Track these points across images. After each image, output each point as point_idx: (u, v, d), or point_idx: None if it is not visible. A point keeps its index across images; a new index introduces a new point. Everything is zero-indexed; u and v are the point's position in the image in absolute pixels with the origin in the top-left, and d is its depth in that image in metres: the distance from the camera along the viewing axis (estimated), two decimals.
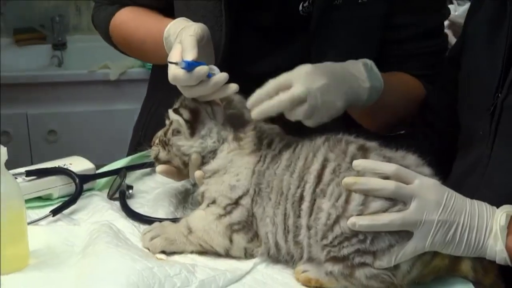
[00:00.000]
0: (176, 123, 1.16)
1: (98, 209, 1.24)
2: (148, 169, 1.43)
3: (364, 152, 1.04)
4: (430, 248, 0.98)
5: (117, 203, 1.27)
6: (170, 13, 1.42)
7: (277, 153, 1.11)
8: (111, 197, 1.30)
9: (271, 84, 1.10)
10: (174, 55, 1.12)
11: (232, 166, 1.12)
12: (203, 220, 1.12)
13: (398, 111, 1.37)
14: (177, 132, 1.17)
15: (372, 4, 1.35)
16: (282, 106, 1.09)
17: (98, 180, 1.35)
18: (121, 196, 1.28)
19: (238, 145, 1.13)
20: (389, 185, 0.98)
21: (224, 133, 1.14)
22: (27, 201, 1.21)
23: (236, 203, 1.10)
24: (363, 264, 0.98)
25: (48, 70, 3.29)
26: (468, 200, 1.00)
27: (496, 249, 0.97)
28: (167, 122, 1.20)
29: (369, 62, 1.25)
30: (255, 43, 1.39)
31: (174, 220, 1.18)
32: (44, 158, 1.40)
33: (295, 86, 1.09)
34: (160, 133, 1.21)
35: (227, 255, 1.12)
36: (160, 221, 1.18)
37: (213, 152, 1.14)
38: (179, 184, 1.34)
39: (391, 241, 0.97)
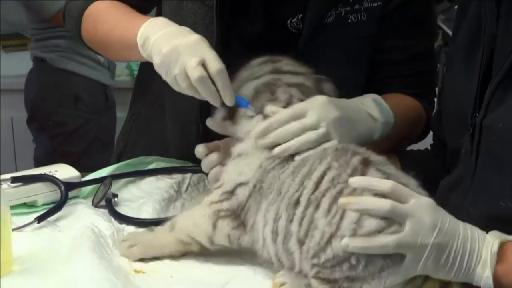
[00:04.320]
0: None
1: (82, 216, 1.25)
2: (132, 177, 1.44)
3: (364, 166, 1.02)
4: (422, 272, 0.96)
5: (103, 210, 1.28)
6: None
7: (288, 157, 1.09)
8: (96, 205, 1.30)
9: (286, 112, 1.11)
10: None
11: (253, 154, 1.11)
12: (191, 211, 1.14)
13: (401, 136, 1.38)
14: None
15: (362, 25, 1.37)
16: (292, 133, 1.10)
17: (83, 188, 1.36)
18: (108, 203, 1.29)
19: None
20: (384, 204, 0.95)
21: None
22: (12, 207, 1.21)
23: (233, 191, 1.09)
24: None
25: None
26: (461, 223, 0.98)
27: (483, 275, 0.96)
28: None
29: (377, 97, 1.26)
30: (244, 54, 1.39)
31: (162, 221, 1.19)
32: (29, 165, 1.40)
33: (309, 116, 1.11)
34: None
35: (211, 244, 1.11)
36: (150, 224, 1.21)
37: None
38: (163, 191, 1.36)
39: (383, 265, 0.95)
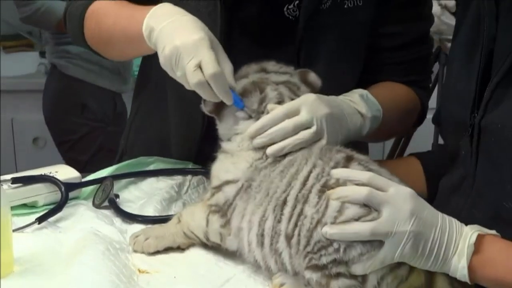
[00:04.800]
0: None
1: (84, 218, 1.25)
2: (132, 178, 1.44)
3: (347, 161, 1.05)
4: (400, 259, 0.98)
5: (104, 211, 1.28)
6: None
7: (281, 157, 1.11)
8: (98, 206, 1.30)
9: (279, 111, 1.12)
10: (211, 64, 1.10)
11: (238, 155, 1.14)
12: (194, 205, 1.17)
13: (393, 126, 1.39)
14: None
15: (358, 10, 1.36)
16: (286, 132, 1.11)
17: (83, 189, 1.36)
18: (112, 202, 1.29)
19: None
20: (362, 191, 0.98)
21: (245, 125, 1.15)
22: (12, 208, 1.21)
23: (219, 187, 1.12)
24: (338, 275, 0.98)
25: (35, 78, 3.29)
26: (440, 214, 1.00)
27: (458, 265, 0.97)
28: None
29: (364, 92, 1.28)
30: (243, 42, 1.38)
31: (168, 218, 1.22)
32: (29, 165, 1.40)
33: (301, 114, 1.12)
34: None
35: (207, 240, 1.14)
36: (156, 221, 1.23)
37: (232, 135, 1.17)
38: (164, 191, 1.37)
39: (362, 250, 0.98)
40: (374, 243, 0.98)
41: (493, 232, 1.00)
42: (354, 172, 1.02)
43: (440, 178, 1.25)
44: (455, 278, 1.00)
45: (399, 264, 0.99)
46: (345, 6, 1.36)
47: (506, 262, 0.98)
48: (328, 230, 0.97)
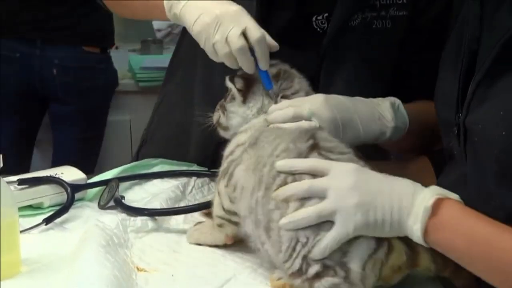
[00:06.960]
0: (230, 90, 1.22)
1: (89, 219, 1.25)
2: (137, 180, 1.45)
3: (309, 151, 1.06)
4: (355, 233, 0.98)
5: (110, 211, 1.28)
6: None
7: None
8: (103, 207, 1.31)
9: (286, 102, 1.17)
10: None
11: (253, 124, 1.17)
12: None
13: (419, 140, 1.38)
14: (232, 98, 1.21)
15: (386, 32, 1.37)
16: (287, 117, 1.14)
17: (88, 191, 1.36)
18: (118, 202, 1.29)
19: None
20: (302, 186, 1.01)
21: (267, 106, 1.19)
22: (18, 209, 1.22)
23: (232, 152, 1.14)
24: (317, 276, 0.99)
25: None
26: (386, 180, 1.01)
27: (413, 228, 0.98)
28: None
29: (397, 101, 1.27)
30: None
31: (177, 211, 1.27)
32: (32, 168, 1.41)
33: (303, 108, 1.15)
34: (223, 99, 1.25)
35: (227, 212, 1.13)
36: (163, 214, 1.26)
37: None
38: (169, 191, 1.38)
39: (315, 233, 0.99)
40: (322, 225, 0.99)
41: (456, 196, 1.01)
42: (296, 162, 1.03)
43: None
44: (438, 255, 1.00)
45: (376, 249, 0.99)
46: (373, 26, 1.36)
47: (457, 226, 0.98)
48: (282, 221, 1.00)
